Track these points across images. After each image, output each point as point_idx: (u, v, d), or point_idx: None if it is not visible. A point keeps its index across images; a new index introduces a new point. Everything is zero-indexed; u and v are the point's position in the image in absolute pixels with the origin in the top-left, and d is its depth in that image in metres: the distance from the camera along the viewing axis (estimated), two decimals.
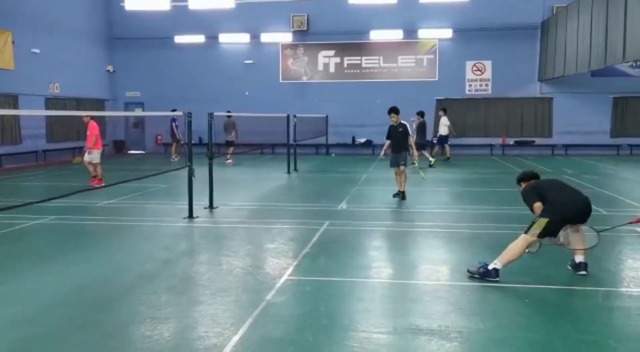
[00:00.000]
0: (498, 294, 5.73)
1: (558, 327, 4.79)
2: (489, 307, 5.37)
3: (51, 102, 21.48)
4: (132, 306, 5.33)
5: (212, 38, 25.23)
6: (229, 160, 20.45)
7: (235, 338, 4.48)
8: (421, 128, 18.79)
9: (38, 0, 20.78)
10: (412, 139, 12.00)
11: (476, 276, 6.05)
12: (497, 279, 5.93)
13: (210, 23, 25.05)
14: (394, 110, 11.77)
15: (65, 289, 5.88)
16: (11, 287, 5.98)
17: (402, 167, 11.53)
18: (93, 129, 13.85)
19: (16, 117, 19.59)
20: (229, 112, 19.58)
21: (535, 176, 6.68)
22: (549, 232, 5.96)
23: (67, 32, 22.52)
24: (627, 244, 7.88)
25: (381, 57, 24.82)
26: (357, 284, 6.09)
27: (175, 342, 4.49)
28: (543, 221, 5.90)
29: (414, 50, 24.65)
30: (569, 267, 6.32)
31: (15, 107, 19.39)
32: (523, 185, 6.58)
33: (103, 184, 12.53)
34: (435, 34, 24.24)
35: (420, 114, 19.13)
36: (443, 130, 20.70)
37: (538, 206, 6.12)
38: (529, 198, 6.33)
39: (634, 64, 22.58)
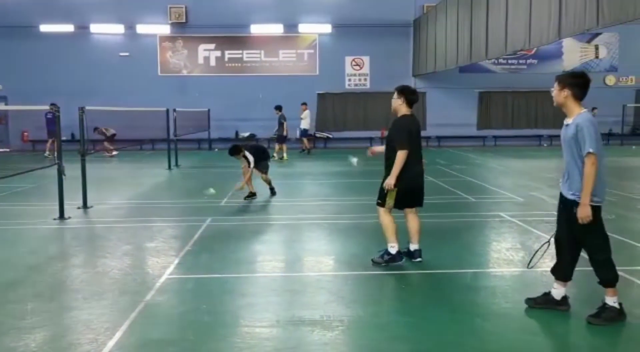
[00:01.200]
0: (377, 281, 5.94)
1: (432, 309, 5.06)
2: (369, 294, 5.56)
3: None
4: None
5: (83, 28, 23.79)
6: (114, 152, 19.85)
7: (111, 343, 4.27)
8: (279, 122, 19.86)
9: None
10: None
11: (383, 264, 6.22)
12: (403, 260, 6.23)
13: (80, 12, 23.58)
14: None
15: None
16: None
17: None
18: None
19: None
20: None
21: None
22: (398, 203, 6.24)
23: None
24: (492, 229, 8.51)
25: (262, 51, 24.76)
26: (240, 279, 6.04)
27: (45, 347, 4.18)
28: (394, 193, 6.15)
29: (295, 45, 24.85)
30: (402, 256, 6.36)
31: None
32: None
33: None
34: (315, 29, 24.59)
35: (278, 108, 20.06)
36: (304, 124, 21.61)
37: (403, 154, 6.04)
38: (400, 135, 6.15)
39: (497, 61, 24.40)
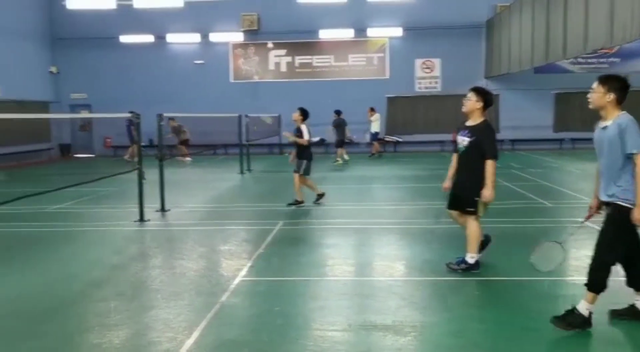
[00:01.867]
0: (449, 287, 5.84)
1: (507, 317, 4.93)
2: (442, 301, 5.47)
3: None
4: (79, 315, 5.18)
5: (160, 38, 24.79)
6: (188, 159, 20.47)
7: (189, 342, 4.42)
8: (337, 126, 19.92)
9: None
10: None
11: (458, 271, 6.13)
12: (479, 269, 6.13)
13: (158, 23, 24.59)
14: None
15: (11, 299, 5.66)
16: None
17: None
18: None
19: None
20: (171, 117, 19.59)
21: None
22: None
23: (7, 33, 21.69)
24: (570, 235, 8.15)
25: (332, 56, 24.92)
26: (311, 282, 6.10)
27: (125, 350, 4.39)
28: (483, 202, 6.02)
29: (365, 49, 24.86)
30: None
31: None
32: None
33: None
34: (385, 33, 24.51)
35: (338, 112, 20.10)
36: (375, 127, 21.59)
37: (494, 163, 5.92)
38: (492, 143, 5.98)
39: (575, 61, 23.41)
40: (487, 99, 6.11)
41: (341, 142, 19.84)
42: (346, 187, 13.96)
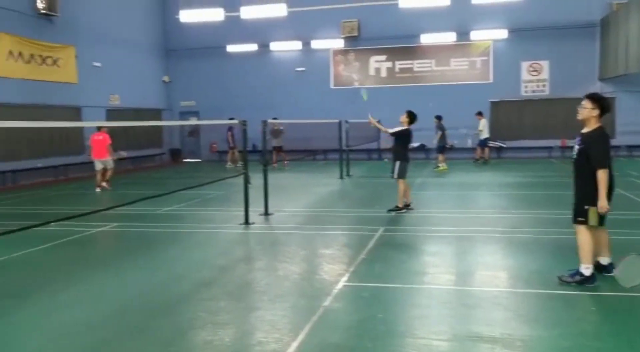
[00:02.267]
0: (560, 301, 5.54)
1: (626, 335, 4.60)
2: (552, 314, 5.20)
3: (112, 113, 22.29)
4: (191, 312, 5.44)
5: (264, 46, 25.61)
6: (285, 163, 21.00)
7: (295, 344, 4.51)
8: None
9: (99, 16, 21.62)
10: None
11: (572, 284, 5.86)
12: (596, 283, 5.80)
13: (262, 32, 25.43)
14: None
15: (127, 295, 6.06)
16: (77, 292, 6.20)
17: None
18: (106, 139, 15.64)
19: (79, 129, 20.40)
20: (274, 118, 20.02)
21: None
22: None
23: (126, 45, 23.35)
24: None
25: (433, 61, 24.57)
26: (413, 290, 6.03)
27: (235, 348, 4.56)
28: (595, 210, 5.68)
29: (467, 53, 24.29)
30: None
31: (78, 119, 20.22)
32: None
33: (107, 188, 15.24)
34: (489, 35, 23.81)
35: (438, 117, 19.70)
36: (485, 133, 20.99)
37: (605, 173, 5.63)
38: (603, 152, 5.69)
39: None
40: (603, 105, 5.79)
41: (442, 148, 19.49)
42: (448, 193, 13.68)
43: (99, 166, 15.40)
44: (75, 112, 20.31)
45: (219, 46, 25.79)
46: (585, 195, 5.75)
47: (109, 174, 15.57)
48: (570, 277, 5.88)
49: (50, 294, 6.14)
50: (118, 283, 6.54)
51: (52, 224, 9.51)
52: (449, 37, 24.01)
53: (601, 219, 5.76)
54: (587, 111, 5.79)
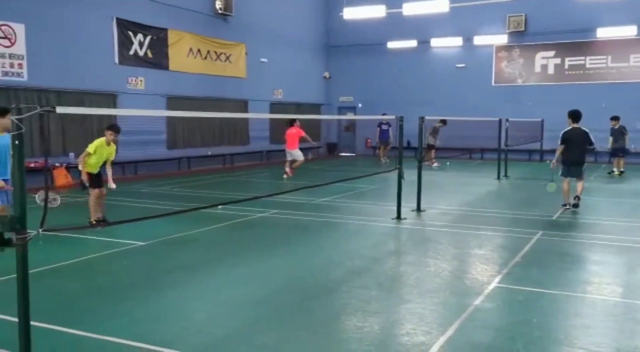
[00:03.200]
0: None
1: None
2: None
3: (275, 107, 23.59)
4: (344, 298, 5.65)
5: (424, 43, 25.38)
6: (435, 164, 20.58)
7: (442, 339, 4.50)
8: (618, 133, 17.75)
9: (268, 15, 22.95)
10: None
11: None
12: None
13: (423, 28, 25.21)
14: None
15: (286, 276, 6.45)
16: (242, 271, 6.72)
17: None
18: (299, 132, 16.45)
19: (246, 120, 21.89)
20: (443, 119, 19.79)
21: None
22: None
23: (291, 43, 24.53)
24: None
25: (609, 57, 22.60)
26: (574, 298, 5.69)
27: (384, 336, 4.66)
28: None
29: None
30: None
31: (245, 111, 21.70)
32: None
33: (291, 175, 16.05)
34: None
35: (615, 118, 17.91)
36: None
37: None
38: None
39: None
40: None
41: (620, 151, 17.75)
42: (619, 200, 12.59)
43: (289, 156, 16.50)
44: (242, 105, 21.81)
45: (379, 43, 26.05)
46: None
47: (296, 164, 16.54)
48: None
49: (218, 271, 6.73)
50: (278, 265, 6.98)
51: (219, 207, 10.40)
52: (629, 31, 21.89)
53: None
54: None
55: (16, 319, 3.80)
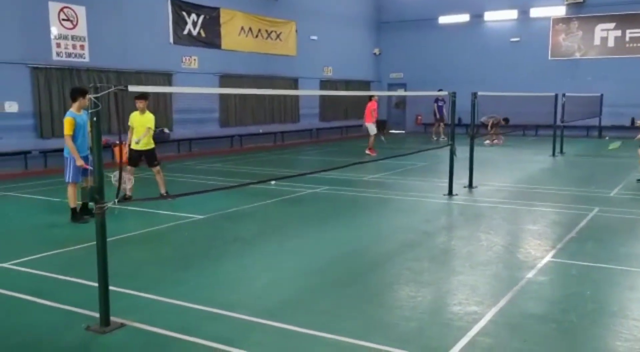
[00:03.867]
0: None
1: None
2: None
3: (324, 84, 23.68)
4: (396, 269, 5.80)
5: (477, 16, 24.85)
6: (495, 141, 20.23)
7: (494, 309, 4.60)
8: None
9: None
10: None
11: None
12: None
13: (475, 2, 24.68)
14: None
15: (340, 249, 6.64)
16: (296, 244, 6.96)
17: None
18: (372, 105, 16.90)
19: (296, 98, 22.09)
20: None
21: None
22: None
23: (341, 19, 24.45)
24: None
25: None
26: (629, 273, 5.67)
27: (437, 305, 4.80)
28: None
29: None
30: None
31: (295, 89, 21.87)
32: None
33: (375, 154, 15.63)
34: None
35: None
36: None
37: None
38: None
39: None
40: None
41: None
42: None
43: (368, 131, 17.09)
44: (293, 83, 21.99)
45: (431, 18, 25.65)
46: None
47: (370, 140, 16.78)
48: None
49: (273, 242, 6.99)
50: (332, 238, 7.17)
51: (273, 183, 10.67)
52: None
53: None
54: None
55: (93, 283, 4.12)
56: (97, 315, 4.27)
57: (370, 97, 17.23)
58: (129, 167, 9.29)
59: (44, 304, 4.77)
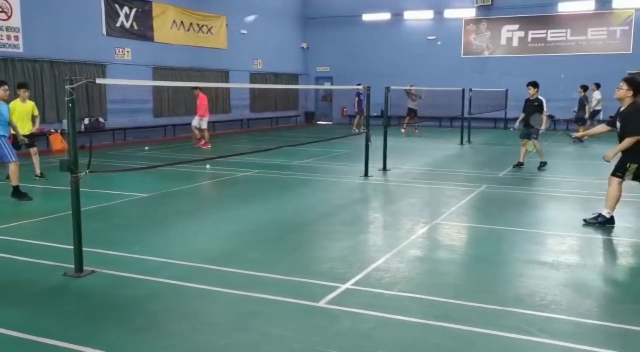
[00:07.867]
0: None
1: None
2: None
3: (254, 77, 24.74)
4: (314, 232, 7.11)
5: (398, 15, 26.63)
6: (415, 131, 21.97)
7: (388, 255, 5.96)
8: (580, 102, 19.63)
9: None
10: (544, 114, 12.76)
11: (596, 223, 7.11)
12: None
13: (396, 1, 26.42)
14: (532, 84, 12.68)
15: (268, 217, 7.86)
16: (231, 214, 8.13)
17: (532, 140, 12.48)
18: (202, 100, 16.83)
19: (227, 90, 23.04)
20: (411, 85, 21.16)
21: None
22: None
23: (270, 14, 25.57)
24: None
25: (569, 30, 24.15)
26: (496, 230, 7.22)
27: (344, 253, 6.11)
28: (634, 167, 6.81)
29: (607, 22, 23.57)
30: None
31: (226, 81, 22.82)
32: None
33: (209, 146, 16.50)
34: (632, 3, 22.89)
35: (584, 87, 19.74)
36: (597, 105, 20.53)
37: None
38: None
39: None
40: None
41: (580, 120, 19.52)
42: (566, 162, 14.21)
43: None
44: (224, 75, 22.93)
45: (355, 15, 27.20)
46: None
47: (205, 135, 16.93)
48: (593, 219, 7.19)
49: (210, 214, 8.14)
50: (260, 210, 8.37)
51: (208, 166, 11.74)
52: (588, 6, 23.44)
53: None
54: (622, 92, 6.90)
55: (65, 246, 5.16)
56: (72, 266, 5.29)
57: (195, 88, 16.87)
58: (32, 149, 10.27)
59: (25, 260, 5.74)
